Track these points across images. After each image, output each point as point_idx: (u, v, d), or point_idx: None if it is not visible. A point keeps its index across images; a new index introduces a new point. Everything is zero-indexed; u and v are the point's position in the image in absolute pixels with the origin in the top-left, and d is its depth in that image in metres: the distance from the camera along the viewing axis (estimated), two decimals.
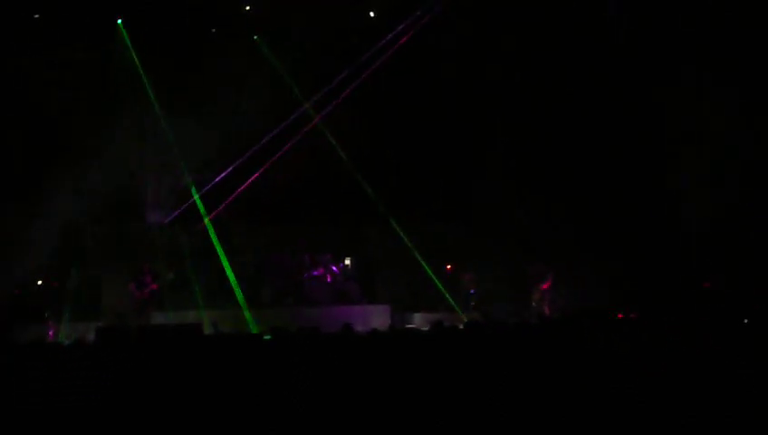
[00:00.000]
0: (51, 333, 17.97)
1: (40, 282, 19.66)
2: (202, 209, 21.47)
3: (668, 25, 19.95)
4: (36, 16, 20.45)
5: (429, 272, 21.36)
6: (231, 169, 22.11)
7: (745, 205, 19.22)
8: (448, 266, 21.91)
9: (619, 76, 20.77)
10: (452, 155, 22.69)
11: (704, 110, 19.53)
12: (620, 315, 16.26)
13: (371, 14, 22.43)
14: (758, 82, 18.92)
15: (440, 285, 21.33)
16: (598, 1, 21.02)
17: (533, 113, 21.82)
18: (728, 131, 19.08)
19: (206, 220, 21.20)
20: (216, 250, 20.67)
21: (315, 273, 21.45)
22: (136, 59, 21.41)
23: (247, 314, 19.36)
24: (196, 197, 21.63)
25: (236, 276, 20.66)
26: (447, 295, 21.17)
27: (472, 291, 21.58)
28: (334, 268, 21.63)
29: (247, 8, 21.60)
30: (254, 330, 18.40)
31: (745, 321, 14.58)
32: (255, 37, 22.51)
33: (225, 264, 20.48)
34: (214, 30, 22.10)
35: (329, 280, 21.50)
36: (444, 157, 22.68)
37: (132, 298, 19.23)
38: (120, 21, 21.32)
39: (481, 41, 22.16)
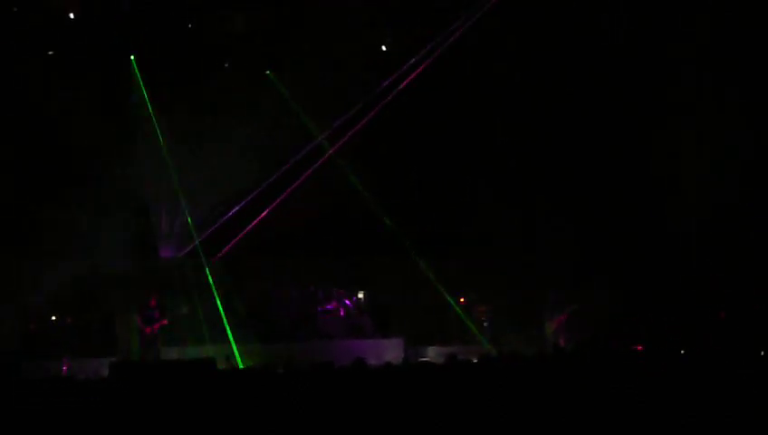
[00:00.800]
0: (65, 368, 17.94)
1: (54, 317, 19.64)
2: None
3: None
4: (50, 53, 20.64)
5: (453, 303, 21.34)
6: (244, 202, 22.16)
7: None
8: (462, 299, 21.80)
9: (627, 98, 20.80)
10: (465, 187, 22.63)
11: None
12: (639, 347, 16.19)
13: (383, 47, 22.54)
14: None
15: (463, 315, 21.30)
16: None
17: (547, 144, 21.81)
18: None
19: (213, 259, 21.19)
20: (228, 285, 20.67)
21: (328, 307, 21.41)
22: (146, 95, 21.53)
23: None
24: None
25: (248, 311, 20.67)
26: (472, 326, 21.14)
27: (485, 323, 21.48)
28: (347, 302, 21.59)
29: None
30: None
31: (762, 353, 14.50)
32: (268, 72, 22.61)
33: (235, 299, 20.48)
34: (227, 65, 22.21)
35: (342, 314, 21.46)
36: (456, 189, 22.63)
37: (141, 333, 19.15)
38: (132, 57, 21.46)
39: (493, 72, 22.21)
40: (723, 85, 19.41)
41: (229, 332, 19.89)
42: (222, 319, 20.47)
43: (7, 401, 10.15)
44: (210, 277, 20.96)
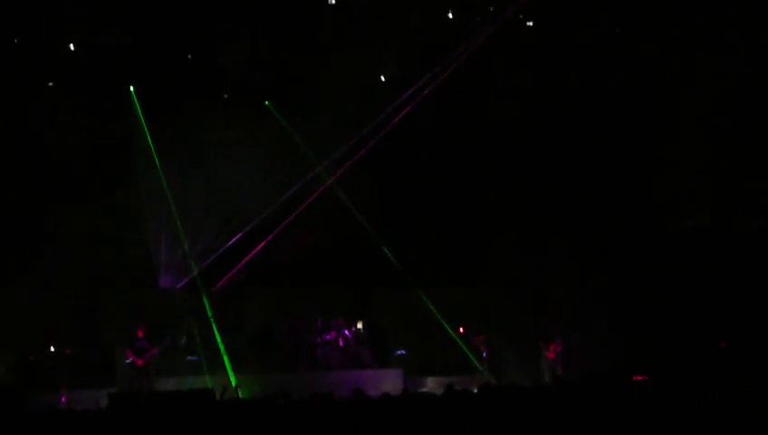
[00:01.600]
0: (63, 399, 17.89)
1: (53, 348, 19.61)
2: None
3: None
4: (50, 84, 20.74)
5: (453, 334, 21.36)
6: (243, 232, 22.19)
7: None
8: (461, 329, 21.77)
9: (627, 121, 20.91)
10: (464, 218, 22.61)
11: None
12: (639, 378, 16.13)
13: (382, 78, 22.65)
14: None
15: (464, 347, 21.30)
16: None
17: (546, 172, 21.85)
18: None
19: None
20: (227, 315, 20.66)
21: (327, 337, 21.39)
22: (145, 126, 21.59)
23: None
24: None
25: (247, 341, 20.67)
26: (473, 356, 21.15)
27: (484, 353, 21.45)
28: (346, 332, 21.56)
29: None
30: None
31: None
32: (267, 103, 22.70)
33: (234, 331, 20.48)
34: (226, 95, 22.30)
35: (341, 344, 21.43)
36: (456, 220, 22.61)
37: (132, 366, 19.08)
38: (132, 88, 21.54)
39: (491, 100, 22.30)
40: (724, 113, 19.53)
41: (227, 362, 19.87)
42: (220, 349, 20.47)
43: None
44: (209, 307, 20.97)
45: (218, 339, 20.41)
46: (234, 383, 18.96)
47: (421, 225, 22.74)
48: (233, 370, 19.74)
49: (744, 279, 19.61)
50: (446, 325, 21.40)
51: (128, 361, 19.09)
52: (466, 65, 21.73)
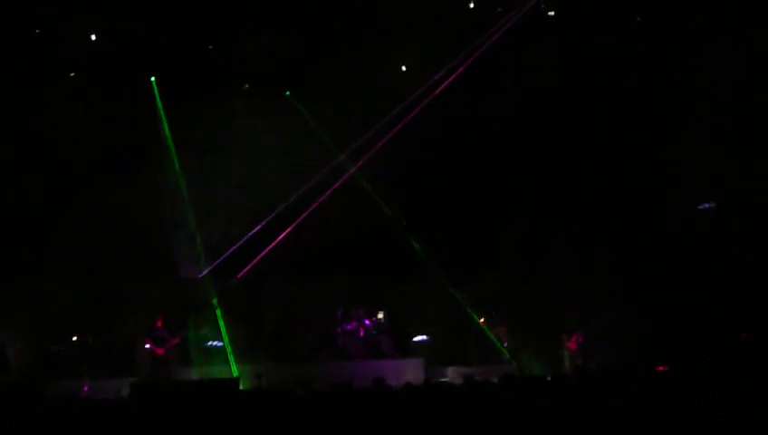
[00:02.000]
0: (85, 389, 17.98)
1: (75, 338, 19.70)
2: None
3: None
4: (72, 75, 20.79)
5: (483, 326, 21.35)
6: (264, 222, 22.22)
7: None
8: (481, 320, 21.74)
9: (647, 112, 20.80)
10: (486, 207, 22.51)
11: None
12: (661, 368, 16.05)
13: (403, 67, 22.60)
14: None
15: (492, 336, 21.30)
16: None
17: (568, 163, 21.76)
18: None
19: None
20: (248, 305, 20.68)
21: (348, 327, 21.40)
22: (163, 115, 21.64)
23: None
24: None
25: (268, 331, 20.70)
26: (498, 343, 21.15)
27: (505, 344, 21.43)
28: (367, 322, 21.56)
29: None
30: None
31: None
32: (288, 93, 22.70)
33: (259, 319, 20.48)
34: (246, 86, 22.32)
35: (362, 334, 21.43)
36: (478, 209, 22.52)
37: (152, 356, 19.13)
38: (153, 78, 21.58)
39: (508, 90, 22.22)
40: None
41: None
42: (241, 340, 20.54)
43: (29, 423, 10.18)
44: (230, 298, 21.03)
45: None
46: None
47: (443, 215, 22.67)
48: (244, 360, 19.77)
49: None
50: (473, 316, 21.37)
51: (146, 347, 19.18)
52: (483, 59, 21.74)
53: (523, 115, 21.84)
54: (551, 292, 21.29)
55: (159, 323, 19.23)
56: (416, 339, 22.17)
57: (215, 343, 20.56)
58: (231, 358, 19.82)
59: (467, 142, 22.46)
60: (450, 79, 22.20)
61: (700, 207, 20.47)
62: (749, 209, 19.78)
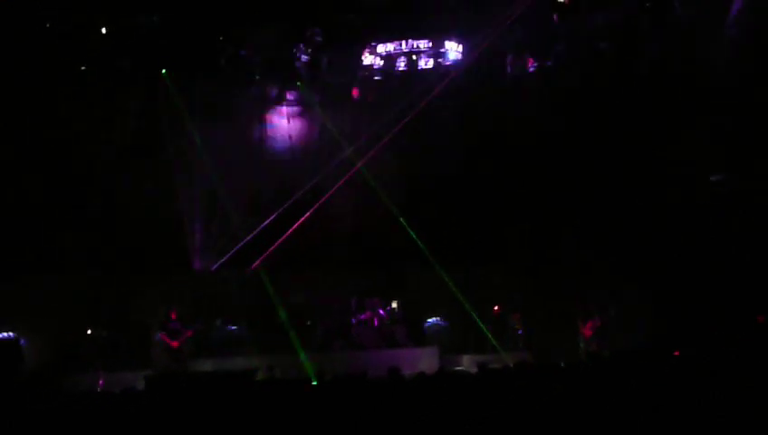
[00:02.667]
0: (101, 382, 18.04)
1: (90, 331, 19.76)
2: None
3: None
4: (83, 68, 20.81)
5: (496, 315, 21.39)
6: (277, 214, 22.24)
7: None
8: (495, 308, 21.70)
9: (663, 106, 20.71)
10: (498, 195, 22.43)
11: None
12: (676, 353, 16.01)
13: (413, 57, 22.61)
14: None
15: (499, 325, 21.27)
16: None
17: (581, 151, 21.69)
18: None
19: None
20: (264, 295, 20.66)
21: (362, 317, 21.40)
22: (179, 108, 21.66)
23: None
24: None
25: (283, 322, 20.70)
26: (515, 328, 21.17)
27: (519, 331, 21.39)
28: (381, 312, 21.55)
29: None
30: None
31: None
32: (299, 83, 22.71)
33: (280, 310, 20.46)
34: (258, 76, 22.34)
35: (376, 324, 21.42)
36: (490, 197, 22.45)
37: (166, 348, 19.16)
38: (164, 71, 21.59)
39: (515, 86, 22.23)
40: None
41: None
42: (256, 330, 20.58)
43: (46, 415, 10.23)
44: (244, 289, 21.07)
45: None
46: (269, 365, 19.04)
47: (455, 204, 22.61)
48: (269, 351, 19.81)
49: None
50: (476, 304, 21.34)
51: (159, 339, 19.24)
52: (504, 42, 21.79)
53: (530, 109, 21.79)
54: (567, 277, 21.18)
55: (174, 316, 19.26)
56: (429, 321, 22.12)
57: (232, 326, 20.60)
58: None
59: (476, 136, 22.41)
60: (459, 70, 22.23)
61: (712, 178, 20.32)
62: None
